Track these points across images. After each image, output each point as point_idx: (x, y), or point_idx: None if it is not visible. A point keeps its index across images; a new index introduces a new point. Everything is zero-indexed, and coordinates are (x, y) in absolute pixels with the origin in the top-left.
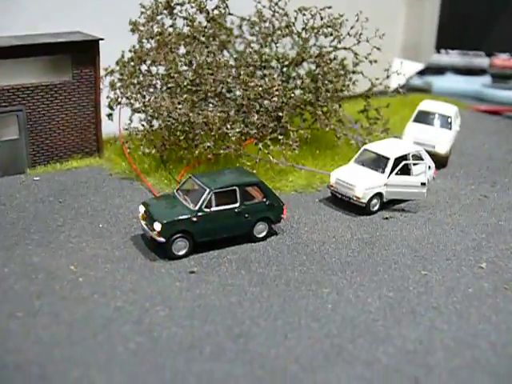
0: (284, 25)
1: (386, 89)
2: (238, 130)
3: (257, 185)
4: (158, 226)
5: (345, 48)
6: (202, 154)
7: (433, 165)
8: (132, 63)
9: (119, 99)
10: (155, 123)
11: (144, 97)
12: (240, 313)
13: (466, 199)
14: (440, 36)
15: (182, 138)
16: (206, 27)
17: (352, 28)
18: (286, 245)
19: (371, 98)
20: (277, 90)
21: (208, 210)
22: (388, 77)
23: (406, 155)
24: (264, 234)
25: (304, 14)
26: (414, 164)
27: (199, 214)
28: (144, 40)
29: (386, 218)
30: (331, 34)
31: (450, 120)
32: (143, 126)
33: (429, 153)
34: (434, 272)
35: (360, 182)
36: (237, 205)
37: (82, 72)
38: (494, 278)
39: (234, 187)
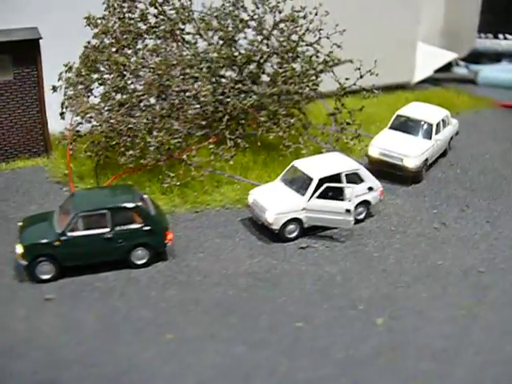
0: (239, 20)
1: (360, 88)
2: (159, 138)
3: (133, 209)
4: (19, 249)
5: (308, 44)
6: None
7: (377, 186)
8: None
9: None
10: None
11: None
12: (53, 355)
13: (417, 227)
14: (493, 19)
15: (112, 143)
16: (156, 23)
17: (311, 23)
18: (164, 275)
19: (342, 98)
20: (204, 96)
21: (72, 234)
22: (361, 76)
23: (337, 175)
24: (145, 260)
25: (257, 8)
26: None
27: (62, 238)
28: (101, 35)
29: (303, 248)
30: (288, 29)
31: (430, 128)
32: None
33: (396, 166)
34: (311, 326)
35: (273, 205)
36: (107, 230)
37: (24, 72)
38: (381, 341)
39: (104, 211)
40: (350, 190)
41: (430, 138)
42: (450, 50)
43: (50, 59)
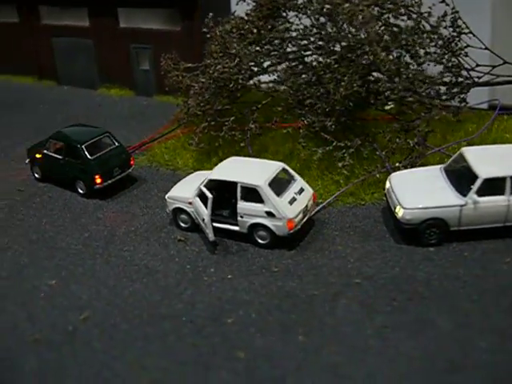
0: None
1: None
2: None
3: (75, 148)
4: None
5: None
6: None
7: (282, 215)
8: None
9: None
10: None
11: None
12: None
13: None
14: None
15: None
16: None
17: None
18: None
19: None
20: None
21: (46, 152)
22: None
23: (231, 183)
24: (82, 192)
25: None
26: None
27: (43, 152)
28: None
29: (177, 240)
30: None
31: (472, 183)
32: None
33: (392, 212)
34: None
35: (176, 188)
36: (60, 157)
37: (187, 25)
38: None
39: (61, 143)
40: (208, 200)
41: (465, 196)
42: None
43: None
